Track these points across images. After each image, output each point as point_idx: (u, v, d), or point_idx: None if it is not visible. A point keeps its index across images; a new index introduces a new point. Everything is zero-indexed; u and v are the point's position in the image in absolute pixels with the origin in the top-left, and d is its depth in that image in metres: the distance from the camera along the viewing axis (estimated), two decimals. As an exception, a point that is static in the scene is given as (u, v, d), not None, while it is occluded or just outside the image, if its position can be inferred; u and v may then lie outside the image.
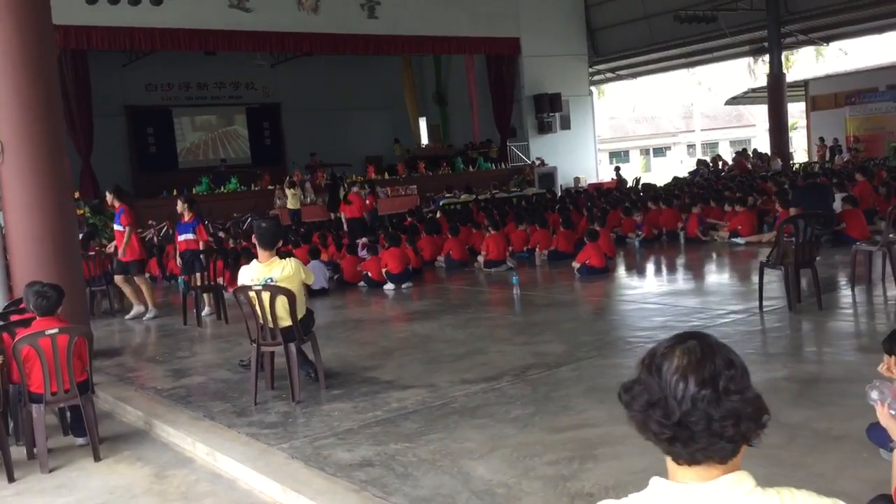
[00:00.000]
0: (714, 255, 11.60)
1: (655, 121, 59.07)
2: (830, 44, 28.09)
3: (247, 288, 5.73)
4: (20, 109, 7.35)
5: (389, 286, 10.87)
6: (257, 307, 5.72)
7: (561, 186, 25.02)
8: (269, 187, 22.16)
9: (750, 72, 52.25)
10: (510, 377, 5.76)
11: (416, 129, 31.53)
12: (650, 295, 8.86)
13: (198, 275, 9.44)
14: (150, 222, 17.53)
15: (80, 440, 5.36)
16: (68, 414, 5.51)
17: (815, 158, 26.25)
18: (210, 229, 19.57)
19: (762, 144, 52.40)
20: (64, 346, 5.09)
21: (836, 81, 27.86)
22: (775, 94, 25.39)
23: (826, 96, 27.70)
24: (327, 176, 22.84)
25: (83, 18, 18.15)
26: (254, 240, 5.84)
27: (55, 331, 5.06)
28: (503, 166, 26.82)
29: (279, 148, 28.90)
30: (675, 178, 23.10)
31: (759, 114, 55.63)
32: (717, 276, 10.35)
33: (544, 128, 27.73)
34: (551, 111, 27.58)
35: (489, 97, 27.66)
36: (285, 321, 5.78)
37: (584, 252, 10.55)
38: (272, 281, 5.69)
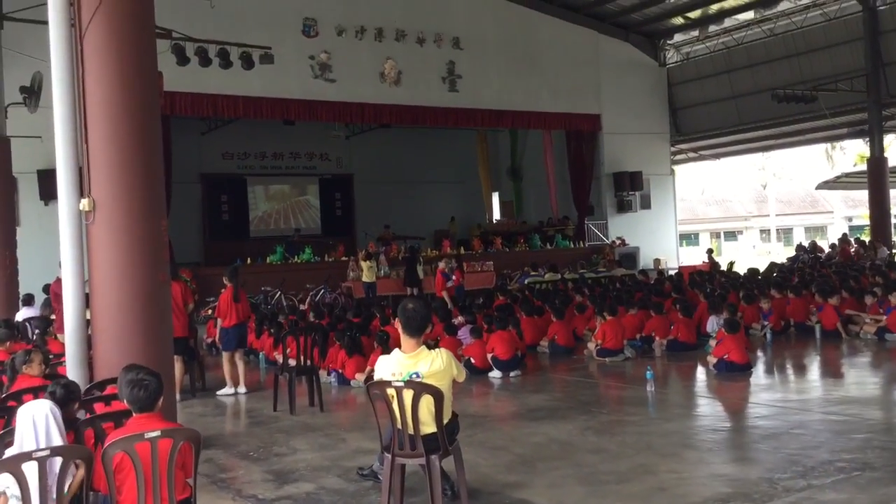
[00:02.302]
0: (870, 354, 10.17)
1: (726, 204, 57.59)
2: (934, 128, 26.56)
3: (385, 384, 4.64)
4: (118, 163, 6.53)
5: (496, 374, 9.72)
6: (396, 408, 4.62)
7: (643, 268, 23.76)
8: (343, 258, 21.40)
9: (828, 157, 51.06)
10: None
11: (488, 203, 30.84)
12: (821, 402, 7.52)
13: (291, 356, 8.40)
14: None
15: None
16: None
17: (917, 248, 24.48)
18: (278, 301, 19.11)
19: (838, 231, 50.61)
20: (165, 454, 4.03)
21: (940, 167, 26.24)
22: (876, 178, 23.93)
23: (928, 182, 26.05)
24: (402, 249, 22.04)
25: (168, 83, 17.86)
26: (396, 324, 4.76)
27: (156, 433, 4.02)
28: (581, 244, 25.76)
29: (350, 219, 28.42)
30: (773, 264, 21.61)
31: (835, 200, 53.90)
32: (893, 381, 8.87)
33: (623, 206, 26.72)
34: (631, 189, 26.63)
35: (567, 173, 26.86)
36: (429, 427, 4.66)
37: (724, 345, 9.26)
38: (418, 377, 4.59)
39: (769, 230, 54.03)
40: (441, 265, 14.79)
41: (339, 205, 28.56)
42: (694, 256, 40.20)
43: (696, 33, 27.34)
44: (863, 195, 48.80)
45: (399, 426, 4.67)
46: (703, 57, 27.92)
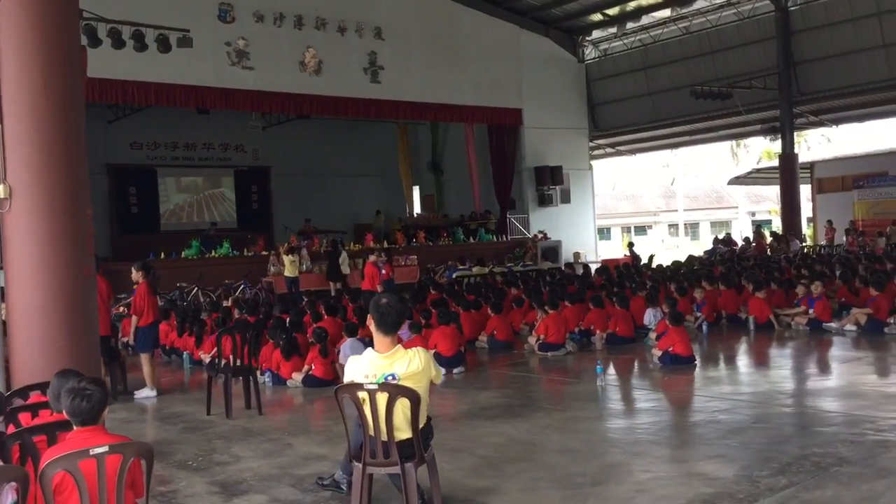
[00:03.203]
0: (806, 345, 10.30)
1: (636, 199, 58.89)
2: (839, 126, 27.66)
3: (356, 386, 4.23)
4: (36, 147, 5.89)
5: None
6: (368, 412, 4.23)
7: (569, 262, 23.88)
8: (263, 253, 20.67)
9: (733, 154, 52.80)
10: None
11: (409, 197, 30.50)
12: (775, 395, 7.47)
13: (230, 356, 7.85)
14: (133, 286, 15.88)
15: None
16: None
17: (824, 241, 25.45)
18: (195, 297, 18.27)
19: (743, 226, 52.45)
20: (114, 472, 3.53)
21: (843, 164, 27.40)
22: (787, 174, 24.77)
23: (832, 179, 27.16)
24: (323, 242, 21.46)
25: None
26: (369, 321, 4.35)
27: (103, 449, 3.51)
28: (504, 238, 25.71)
29: (267, 212, 27.61)
30: (692, 257, 22.02)
31: (739, 196, 55.87)
32: (840, 371, 8.92)
33: (544, 200, 26.81)
34: (552, 184, 26.69)
35: (488, 167, 26.78)
36: (404, 433, 4.29)
37: (668, 338, 9.18)
38: (394, 378, 4.20)
39: (677, 225, 55.51)
40: (372, 258, 14.35)
41: (255, 198, 27.69)
42: (609, 250, 40.91)
43: (614, 30, 27.66)
44: (766, 191, 51.09)
45: (371, 433, 4.28)
46: (620, 54, 28.29)
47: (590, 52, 28.74)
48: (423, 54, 23.62)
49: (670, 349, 9.09)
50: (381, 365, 4.25)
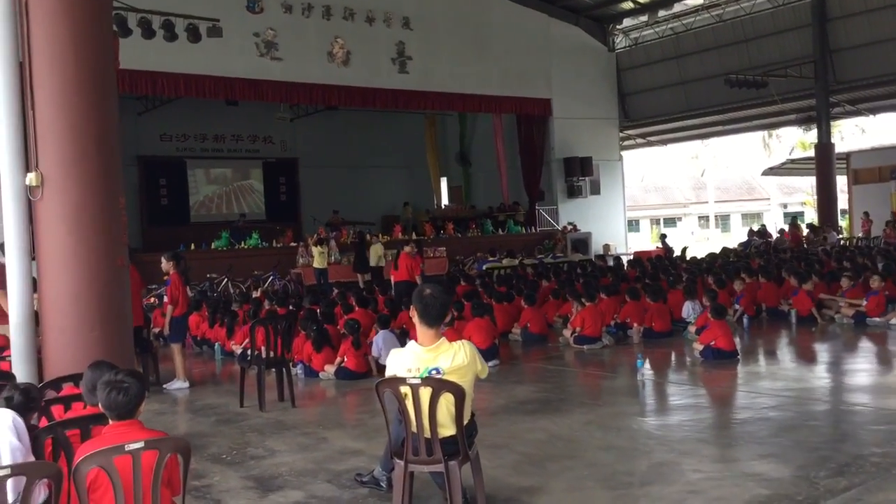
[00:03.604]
0: (855, 339, 9.97)
1: (665, 191, 58.23)
2: (877, 115, 27.03)
3: (399, 381, 4.06)
4: (68, 135, 5.77)
5: (473, 365, 9.19)
6: (410, 408, 4.06)
7: (600, 254, 23.58)
8: (292, 244, 20.62)
9: (765, 145, 51.98)
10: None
11: (437, 189, 30.33)
12: (826, 391, 7.21)
13: (262, 347, 7.73)
14: (164, 278, 15.89)
15: None
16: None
17: (860, 233, 24.90)
18: (224, 288, 18.27)
19: (776, 219, 51.59)
20: (150, 469, 3.39)
21: (881, 155, 26.75)
22: (824, 165, 24.27)
23: (869, 170, 26.52)
24: (351, 234, 21.35)
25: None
26: (411, 312, 4.18)
27: (139, 445, 3.37)
28: (533, 230, 25.46)
29: (295, 204, 27.59)
30: (725, 249, 21.63)
31: (771, 187, 55.01)
32: (892, 366, 8.61)
33: (573, 192, 26.50)
34: (581, 175, 26.37)
35: (517, 158, 26.52)
36: (448, 429, 4.11)
37: (710, 331, 8.93)
38: (438, 373, 4.03)
39: (707, 217, 54.82)
40: (407, 249, 14.14)
41: (283, 189, 27.68)
42: (638, 242, 40.45)
43: (645, 18, 27.22)
44: (798, 182, 50.26)
45: (413, 429, 4.11)
46: (652, 42, 27.87)
47: (620, 41, 28.34)
48: (452, 44, 23.40)
49: (712, 343, 8.82)
50: (424, 358, 4.07)
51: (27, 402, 3.97)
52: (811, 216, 38.91)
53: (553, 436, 6.12)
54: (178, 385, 8.93)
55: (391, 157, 29.27)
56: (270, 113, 25.30)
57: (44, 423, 4.41)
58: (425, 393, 4.01)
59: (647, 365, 8.71)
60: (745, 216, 55.36)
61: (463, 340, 4.24)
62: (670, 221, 56.33)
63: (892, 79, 22.90)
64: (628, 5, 26.52)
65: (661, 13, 26.68)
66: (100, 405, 3.58)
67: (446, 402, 4.04)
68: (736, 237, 45.19)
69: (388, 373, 4.18)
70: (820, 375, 7.99)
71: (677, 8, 26.35)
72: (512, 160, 26.68)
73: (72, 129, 5.75)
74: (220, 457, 6.01)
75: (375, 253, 18.50)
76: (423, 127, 29.32)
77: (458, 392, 4.02)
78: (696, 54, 26.75)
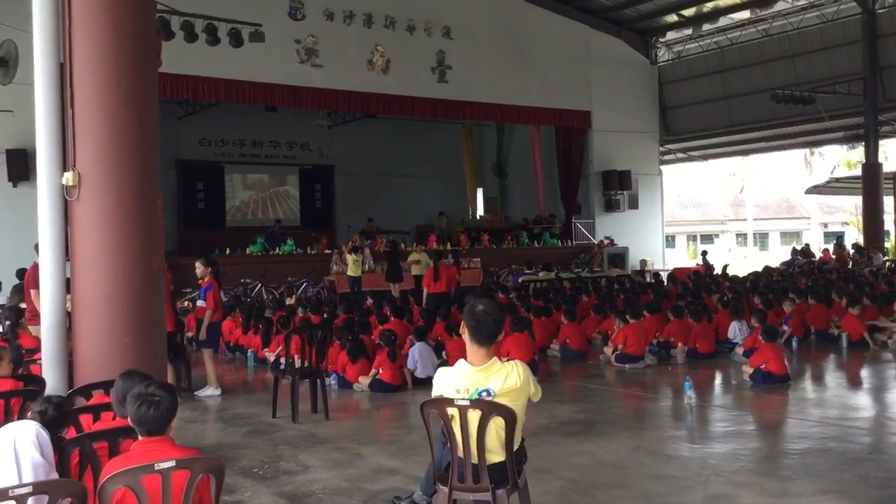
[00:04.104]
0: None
1: (703, 207, 57.43)
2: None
3: (446, 402, 3.81)
4: (106, 135, 5.62)
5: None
6: (457, 431, 3.80)
7: (638, 269, 23.16)
8: (326, 251, 20.50)
9: (806, 163, 51.03)
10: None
11: (472, 199, 30.10)
12: (889, 421, 6.81)
13: (295, 356, 7.52)
14: (199, 281, 15.84)
15: None
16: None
17: (908, 255, 24.21)
18: (258, 294, 18.21)
19: (816, 238, 50.56)
20: (180, 490, 3.17)
21: (930, 174, 26.00)
22: (871, 184, 23.58)
23: (917, 189, 25.79)
24: (385, 243, 21.16)
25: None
26: (462, 330, 3.92)
27: (169, 464, 3.15)
28: (569, 243, 25.11)
29: (330, 211, 27.50)
30: (768, 268, 21.09)
31: (811, 207, 53.97)
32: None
33: (611, 206, 26.09)
34: (620, 189, 25.98)
35: (554, 171, 26.20)
36: (496, 455, 3.85)
37: (762, 354, 8.56)
38: (489, 395, 3.77)
39: (745, 234, 53.94)
40: (444, 261, 13.89)
41: (318, 196, 27.61)
42: (674, 258, 39.82)
43: (689, 31, 26.79)
44: (839, 202, 49.24)
45: (460, 454, 3.85)
46: (695, 56, 27.42)
47: (663, 54, 27.93)
48: (492, 54, 23.19)
49: (763, 367, 8.46)
50: (475, 379, 3.80)
51: (60, 416, 3.80)
52: (852, 236, 38.04)
53: (599, 461, 5.82)
54: (210, 392, 8.77)
55: (427, 166, 29.10)
56: (308, 120, 25.26)
57: (72, 432, 4.23)
58: (474, 416, 3.75)
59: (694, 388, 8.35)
60: (783, 234, 54.39)
61: (516, 360, 3.97)
62: (707, 238, 55.48)
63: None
64: (672, 18, 26.12)
65: (706, 27, 26.25)
66: (129, 420, 3.38)
67: (496, 426, 3.78)
68: (775, 255, 44.36)
69: (435, 392, 3.92)
70: (879, 404, 7.58)
71: (722, 21, 25.91)
72: (549, 172, 26.36)
73: (110, 128, 5.59)
74: (252, 470, 5.79)
75: (424, 261, 18.08)
76: (460, 137, 29.12)
77: (510, 416, 3.75)
78: (741, 69, 26.23)
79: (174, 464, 3.16)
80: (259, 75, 19.39)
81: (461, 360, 3.90)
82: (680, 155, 30.73)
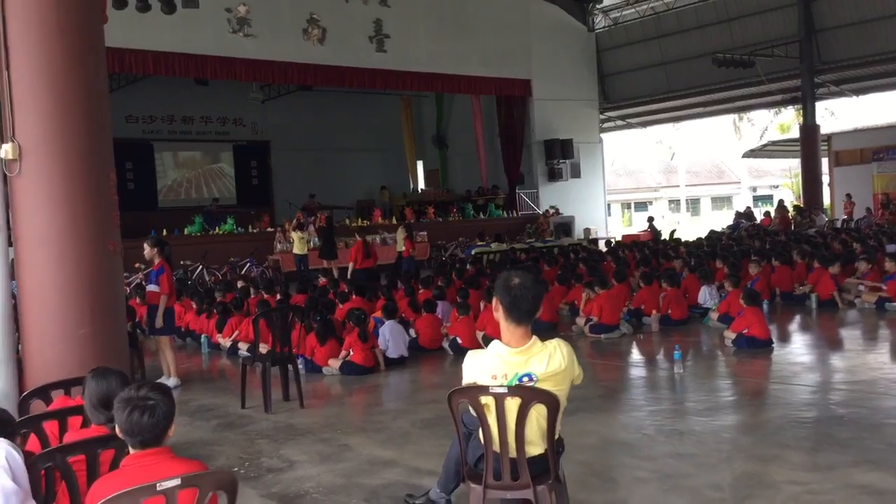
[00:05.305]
0: (886, 324, 9.47)
1: (636, 175, 57.98)
2: (861, 96, 26.77)
3: (480, 390, 3.34)
4: (50, 99, 4.94)
5: (487, 357, 8.50)
6: (493, 422, 3.34)
7: (593, 238, 23.06)
8: (269, 229, 19.74)
9: (735, 129, 51.94)
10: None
11: (413, 172, 29.55)
12: (889, 383, 6.62)
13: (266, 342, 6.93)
14: (136, 265, 15.04)
15: None
16: None
17: (843, 215, 24.70)
18: (199, 275, 17.35)
19: (746, 202, 51.61)
20: (188, 511, 2.63)
21: (863, 136, 26.54)
22: (809, 146, 23.94)
23: (851, 151, 26.32)
24: (318, 219, 20.42)
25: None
26: (494, 306, 3.46)
27: (174, 483, 2.61)
28: (514, 214, 24.85)
29: (268, 188, 26.63)
30: (713, 231, 21.20)
31: (741, 171, 55.08)
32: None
33: (554, 175, 25.93)
34: (562, 158, 25.78)
35: (496, 141, 25.85)
36: (536, 447, 3.41)
37: (744, 319, 8.34)
38: (531, 379, 3.32)
39: (678, 200, 54.70)
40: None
41: (255, 173, 26.70)
42: (613, 227, 40.02)
43: (625, -3, 26.66)
44: (768, 165, 50.34)
45: (496, 448, 3.39)
46: (632, 22, 27.29)
47: (600, 21, 27.72)
48: (430, 23, 22.61)
49: (745, 331, 8.24)
50: (513, 362, 3.34)
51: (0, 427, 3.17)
52: (781, 198, 38.80)
53: (607, 441, 5.46)
54: (172, 383, 8.10)
55: (366, 139, 28.45)
56: (241, 93, 24.29)
57: (34, 444, 3.63)
58: (512, 404, 3.30)
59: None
60: (714, 200, 55.43)
61: (559, 340, 3.53)
62: (641, 205, 56.13)
63: (876, 59, 22.61)
64: (609, -17, 25.94)
65: (643, -8, 26.13)
66: (118, 429, 2.81)
67: (537, 414, 3.33)
68: (707, 220, 45.10)
69: (466, 380, 3.44)
70: (872, 366, 7.42)
71: (658, -13, 25.83)
72: (491, 143, 26.02)
73: (54, 91, 4.91)
74: (232, 469, 5.23)
75: (400, 236, 17.31)
76: (399, 109, 28.49)
77: (553, 403, 3.32)
78: (678, 34, 26.22)
79: (179, 482, 2.62)
80: (189, 46, 18.44)
81: (495, 342, 3.43)
82: (619, 122, 30.73)
